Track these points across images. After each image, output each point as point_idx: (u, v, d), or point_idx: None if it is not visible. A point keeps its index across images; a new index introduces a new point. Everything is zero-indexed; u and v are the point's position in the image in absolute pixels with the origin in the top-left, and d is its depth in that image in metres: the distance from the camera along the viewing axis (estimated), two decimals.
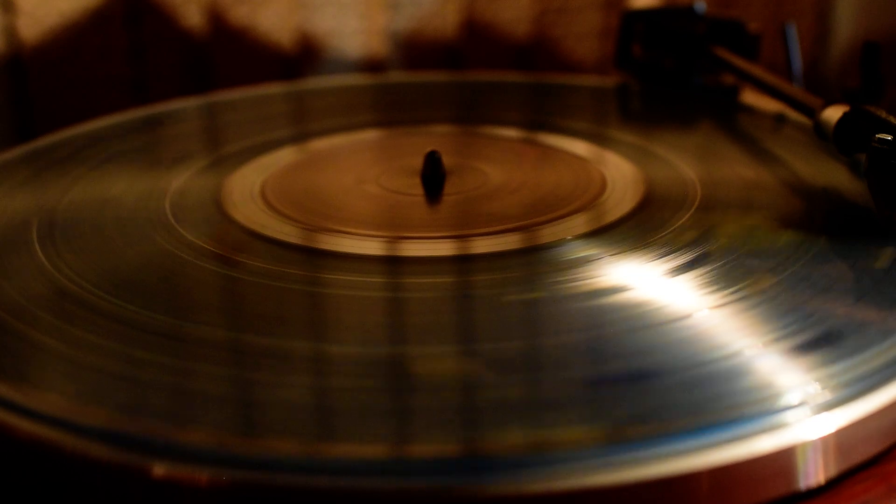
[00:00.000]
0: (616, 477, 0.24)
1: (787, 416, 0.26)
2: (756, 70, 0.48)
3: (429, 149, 0.41)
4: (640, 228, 0.36)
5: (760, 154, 0.44)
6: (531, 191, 0.41)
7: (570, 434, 0.25)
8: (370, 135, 0.49)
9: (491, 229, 0.36)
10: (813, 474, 0.26)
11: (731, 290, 0.31)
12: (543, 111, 0.53)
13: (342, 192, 0.41)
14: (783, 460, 0.25)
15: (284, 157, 0.45)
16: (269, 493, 0.24)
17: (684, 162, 0.42)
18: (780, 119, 0.48)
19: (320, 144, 0.47)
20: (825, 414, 0.26)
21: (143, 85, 0.61)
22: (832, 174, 0.41)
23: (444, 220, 0.39)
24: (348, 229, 0.36)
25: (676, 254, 0.34)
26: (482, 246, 0.35)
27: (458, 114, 0.53)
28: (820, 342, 0.28)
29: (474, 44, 0.68)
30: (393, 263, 0.34)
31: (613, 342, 0.29)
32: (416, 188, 0.41)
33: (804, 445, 0.25)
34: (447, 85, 0.59)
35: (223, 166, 0.43)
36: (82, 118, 0.51)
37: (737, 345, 0.28)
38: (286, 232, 0.36)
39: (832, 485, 0.26)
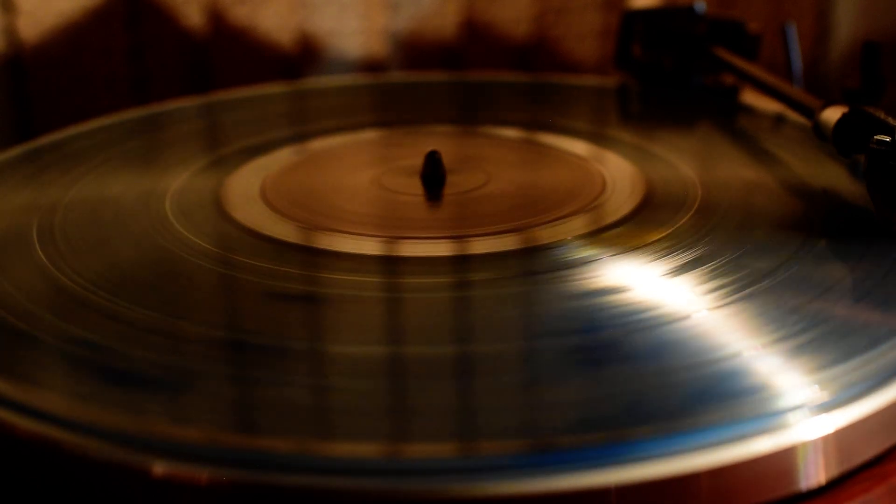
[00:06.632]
0: (616, 477, 0.24)
1: (788, 417, 0.26)
2: (756, 70, 0.48)
3: (429, 149, 0.41)
4: (639, 228, 0.36)
5: (760, 154, 0.44)
6: (531, 191, 0.41)
7: (569, 434, 0.25)
8: (370, 135, 0.49)
9: (491, 229, 0.36)
10: (813, 475, 0.26)
11: (730, 290, 0.31)
12: (543, 111, 0.53)
13: (342, 192, 0.41)
14: (783, 461, 0.25)
15: (284, 157, 0.45)
16: (269, 491, 0.24)
17: (684, 162, 0.42)
18: (780, 119, 0.48)
19: (320, 144, 0.47)
20: (825, 414, 0.26)
21: (143, 85, 0.61)
22: (832, 175, 0.41)
23: (443, 220, 0.39)
24: (348, 229, 0.36)
25: (676, 254, 0.34)
26: (482, 246, 0.35)
27: (458, 114, 0.53)
28: (820, 343, 0.28)
29: (474, 44, 0.68)
30: (392, 263, 0.34)
31: (612, 343, 0.29)
32: (416, 188, 0.41)
33: (804, 446, 0.25)
34: (447, 85, 0.59)
35: (223, 166, 0.43)
36: (82, 118, 0.50)
37: (736, 345, 0.28)
38: (286, 232, 0.36)
39: (832, 485, 0.26)
